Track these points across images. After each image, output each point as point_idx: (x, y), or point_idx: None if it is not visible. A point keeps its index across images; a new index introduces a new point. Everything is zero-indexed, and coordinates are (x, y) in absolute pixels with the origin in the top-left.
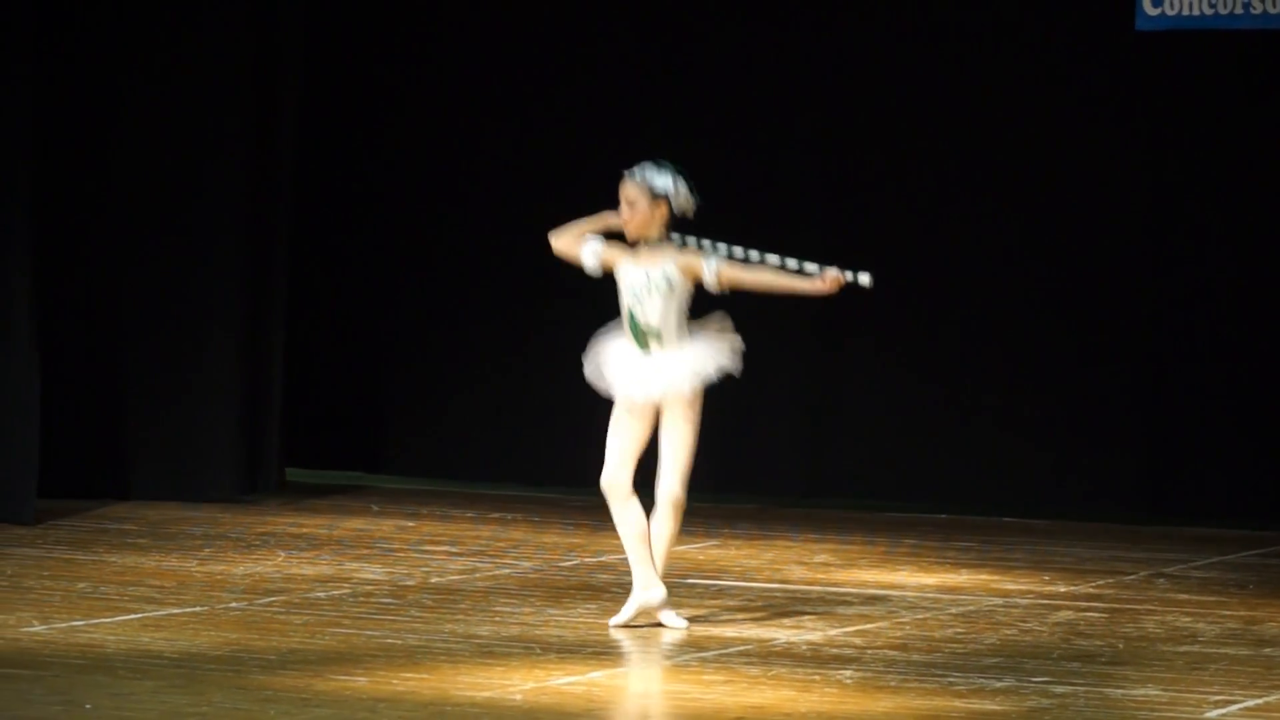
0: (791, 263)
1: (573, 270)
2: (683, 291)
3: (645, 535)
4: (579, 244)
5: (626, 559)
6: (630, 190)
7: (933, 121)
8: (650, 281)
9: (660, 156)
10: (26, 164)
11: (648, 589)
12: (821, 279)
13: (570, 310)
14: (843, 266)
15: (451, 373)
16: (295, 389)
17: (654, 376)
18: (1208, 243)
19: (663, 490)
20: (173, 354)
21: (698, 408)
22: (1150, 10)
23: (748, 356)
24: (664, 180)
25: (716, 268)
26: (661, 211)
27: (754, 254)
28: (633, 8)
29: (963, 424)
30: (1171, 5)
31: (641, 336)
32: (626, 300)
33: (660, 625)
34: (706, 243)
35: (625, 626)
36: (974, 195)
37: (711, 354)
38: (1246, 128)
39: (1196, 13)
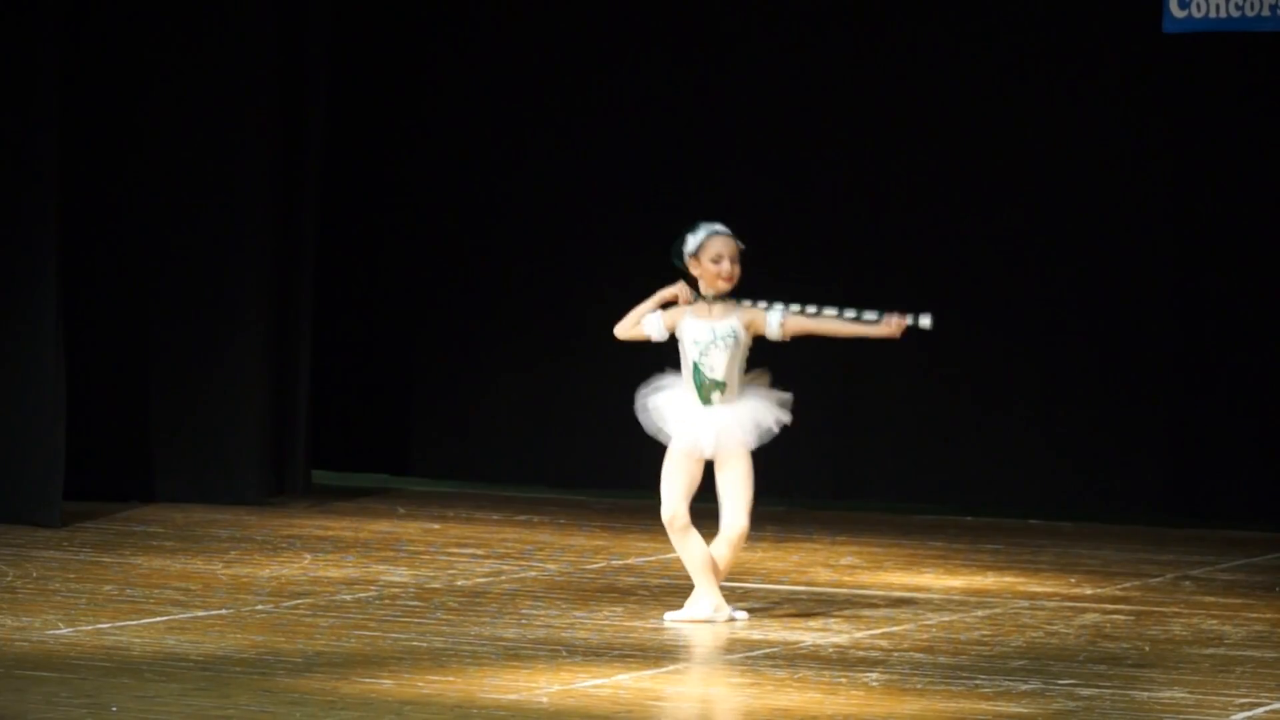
0: (850, 312)
1: (601, 274)
2: (745, 346)
3: (709, 562)
4: (640, 325)
5: (686, 573)
6: (732, 246)
7: (958, 124)
8: (717, 336)
9: (686, 160)
10: (52, 165)
11: (718, 610)
12: (885, 324)
13: (598, 313)
14: (902, 310)
15: (478, 376)
16: (321, 391)
17: (718, 429)
18: (1235, 245)
19: (728, 523)
20: (199, 356)
21: (750, 454)
22: (1177, 12)
23: (779, 359)
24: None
25: (781, 319)
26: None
27: (811, 307)
28: (662, 14)
29: (990, 427)
30: (1198, 7)
31: (704, 389)
32: (691, 354)
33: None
34: (763, 302)
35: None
36: (1001, 199)
37: (768, 408)
38: (1274, 130)
39: (1223, 15)
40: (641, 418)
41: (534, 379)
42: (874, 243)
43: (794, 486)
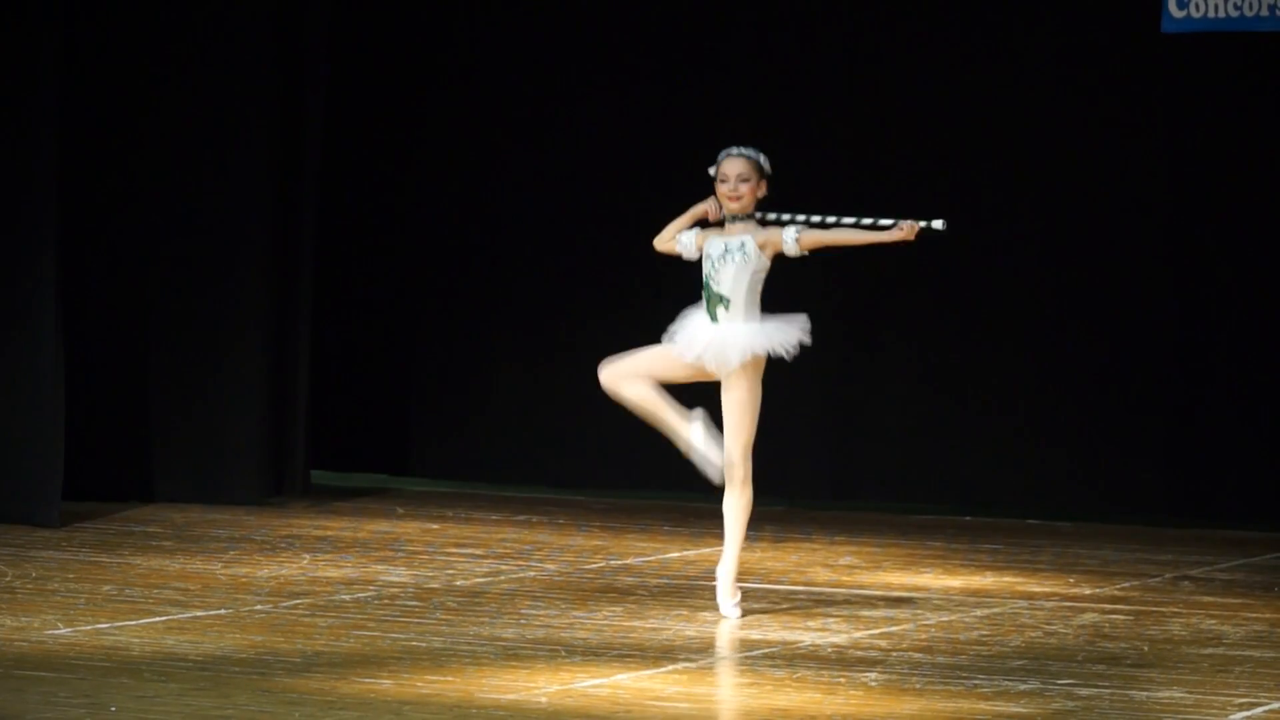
0: (865, 221)
1: (600, 273)
2: (757, 265)
3: (655, 399)
4: (675, 242)
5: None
6: (742, 166)
7: (956, 123)
8: (728, 250)
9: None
10: (52, 162)
11: (686, 425)
12: (898, 228)
13: (597, 314)
14: (915, 217)
15: (477, 376)
16: (321, 391)
17: (711, 342)
18: (1233, 245)
19: (726, 466)
20: (198, 356)
21: (756, 384)
22: (1175, 12)
23: (774, 359)
24: (765, 160)
25: (796, 234)
26: (762, 189)
27: (830, 218)
28: (659, 17)
29: (989, 427)
30: (1197, 7)
31: (713, 303)
32: (705, 270)
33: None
34: (785, 216)
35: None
36: (998, 199)
37: (769, 333)
38: (1273, 130)
39: (1222, 15)
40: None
41: (533, 379)
42: (869, 247)
43: (793, 487)
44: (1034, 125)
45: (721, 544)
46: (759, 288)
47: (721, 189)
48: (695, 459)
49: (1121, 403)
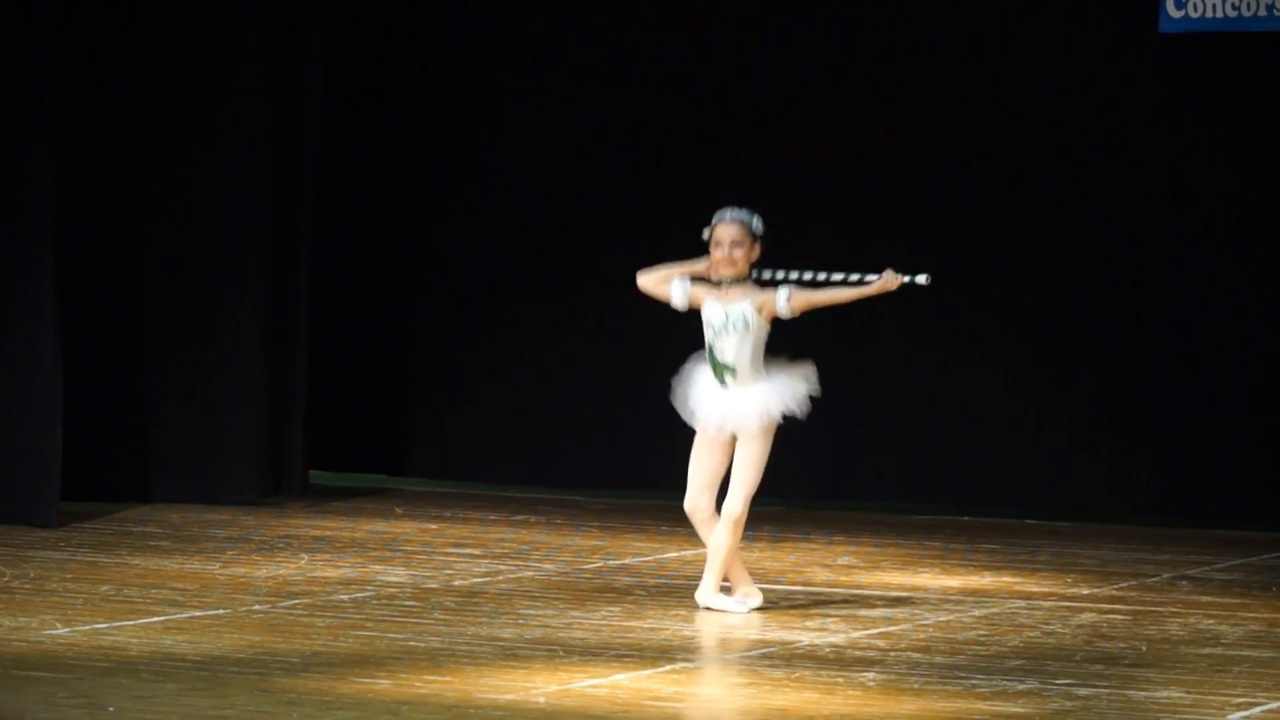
0: (853, 277)
1: (597, 277)
2: (758, 330)
3: (728, 555)
4: (667, 284)
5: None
6: (734, 231)
7: (953, 123)
8: (729, 320)
9: (680, 152)
10: (49, 166)
11: (748, 596)
12: (881, 280)
13: (595, 315)
14: (897, 270)
15: (475, 377)
16: (319, 392)
17: (727, 410)
18: (1231, 244)
19: (726, 506)
20: (196, 357)
21: (769, 438)
22: (1174, 13)
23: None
24: (758, 222)
25: (787, 296)
26: (755, 252)
27: (821, 275)
28: (653, 7)
29: (987, 427)
30: (1195, 7)
31: (720, 371)
32: (708, 336)
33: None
34: (779, 274)
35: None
36: (996, 198)
37: (782, 393)
38: (1270, 130)
39: (1220, 15)
40: (675, 399)
41: (531, 380)
42: (865, 243)
43: (791, 486)
44: (1032, 124)
45: (740, 544)
46: (763, 348)
47: (716, 254)
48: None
49: (1119, 403)
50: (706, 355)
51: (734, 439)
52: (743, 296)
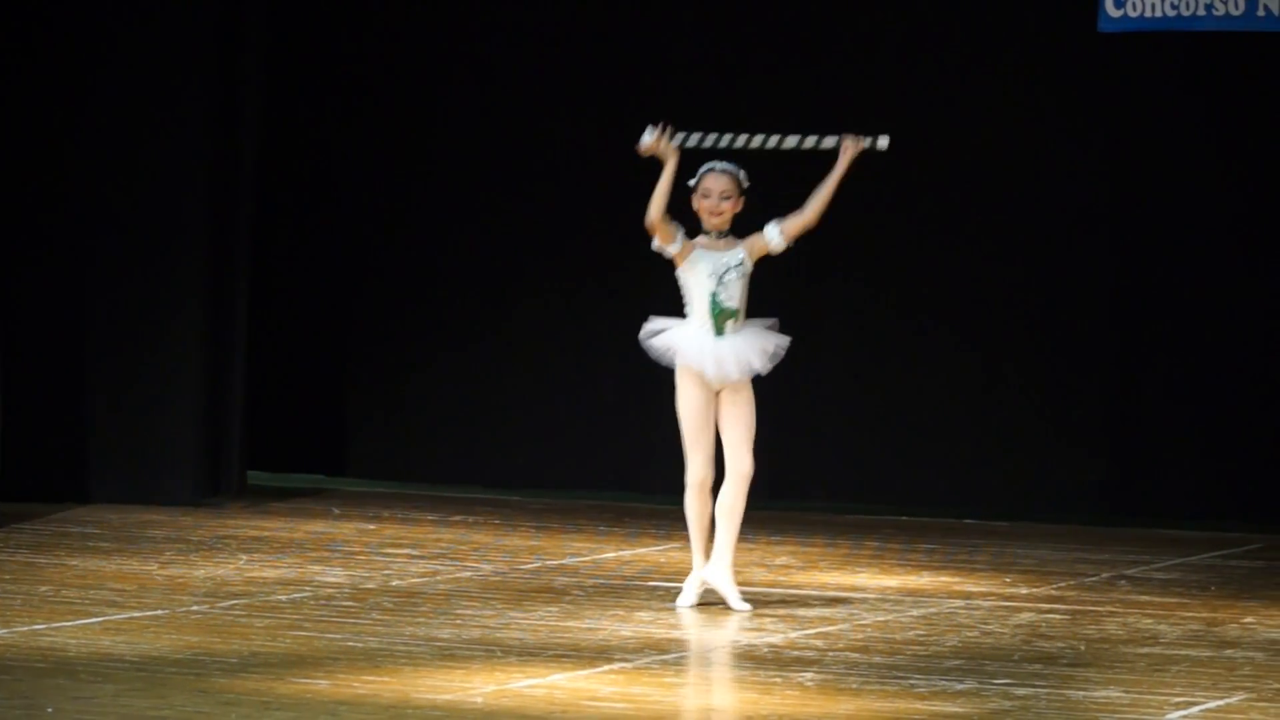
0: (810, 140)
1: (533, 277)
2: (750, 274)
3: (710, 524)
4: (670, 226)
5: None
6: (724, 183)
7: (893, 124)
8: (730, 266)
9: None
10: None
11: (707, 566)
12: (844, 148)
13: (531, 316)
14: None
15: (413, 376)
16: (257, 392)
17: (737, 355)
18: (1170, 244)
19: (735, 465)
20: (134, 357)
21: (751, 384)
22: (1113, 12)
23: None
24: (745, 175)
25: (779, 228)
26: (739, 205)
27: (771, 140)
28: (593, 10)
29: (925, 426)
30: (1134, 7)
31: (720, 319)
32: (708, 285)
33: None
34: (710, 138)
35: (693, 606)
36: (937, 198)
37: (770, 336)
38: (1209, 129)
39: (1159, 14)
40: (651, 350)
41: (468, 380)
42: (808, 246)
43: None
44: (967, 123)
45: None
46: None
47: (704, 204)
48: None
49: (1058, 402)
50: (707, 306)
51: (717, 394)
52: (731, 245)
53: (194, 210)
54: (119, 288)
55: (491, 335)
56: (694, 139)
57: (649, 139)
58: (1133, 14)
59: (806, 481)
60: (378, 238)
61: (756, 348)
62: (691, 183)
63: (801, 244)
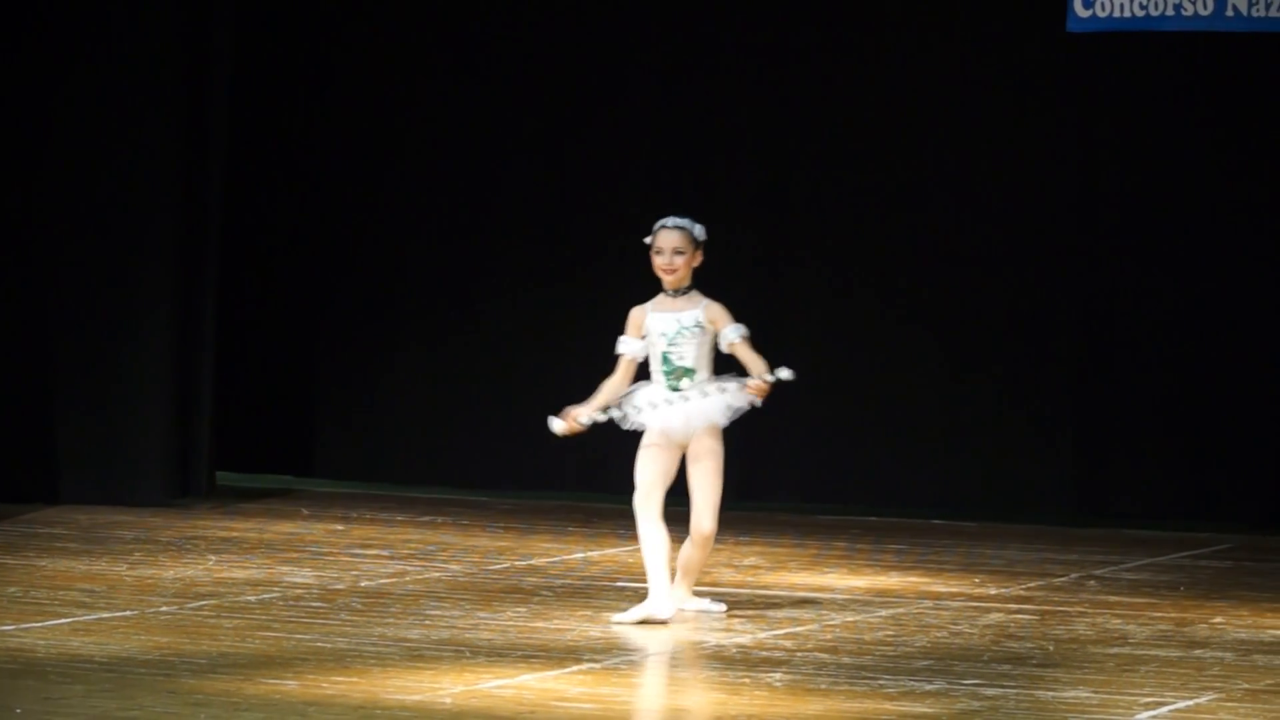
0: (721, 387)
1: (501, 275)
2: (710, 334)
3: (666, 556)
4: (623, 381)
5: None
6: (675, 239)
7: (861, 122)
8: (682, 326)
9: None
10: None
11: (661, 603)
12: (749, 385)
13: (500, 316)
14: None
15: (381, 376)
16: (226, 393)
17: (690, 410)
18: (1136, 245)
19: (696, 525)
20: (102, 357)
21: (721, 442)
22: (1081, 12)
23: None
24: (700, 230)
25: (736, 339)
26: (697, 259)
27: (679, 393)
28: (564, 5)
29: (893, 426)
30: (1102, 7)
31: (674, 376)
32: (659, 345)
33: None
34: (617, 411)
35: (624, 624)
36: (904, 196)
37: (737, 391)
38: (1178, 129)
39: (1127, 14)
40: (617, 417)
41: (436, 380)
42: (774, 237)
43: None
44: (936, 123)
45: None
46: (712, 354)
47: (657, 261)
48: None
49: (1027, 402)
50: (659, 365)
51: (683, 449)
52: (690, 305)
53: (163, 212)
54: (88, 289)
55: (459, 336)
56: (598, 411)
57: (559, 428)
58: (1101, 14)
59: (775, 482)
60: (345, 239)
61: (718, 402)
62: (647, 240)
63: (770, 241)
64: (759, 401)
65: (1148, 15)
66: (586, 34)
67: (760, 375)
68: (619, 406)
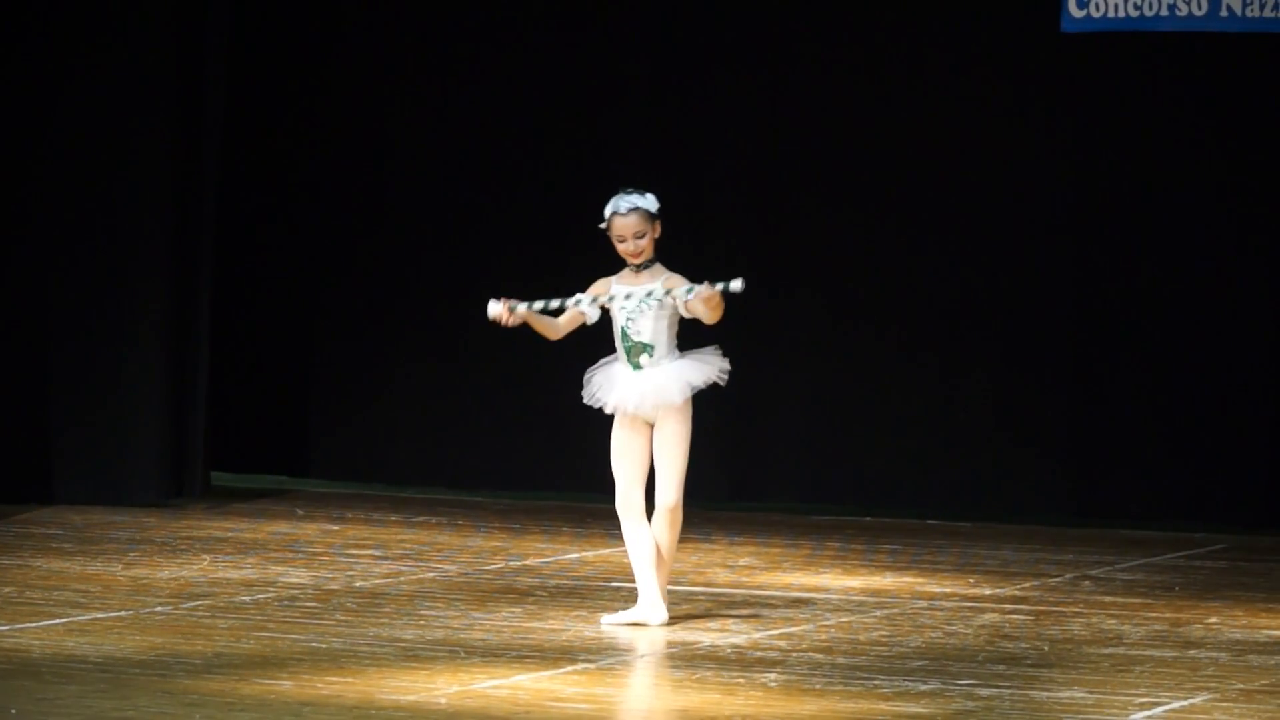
0: (674, 292)
1: (499, 274)
2: (671, 309)
3: (654, 559)
4: (572, 317)
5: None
6: (633, 223)
7: (855, 124)
8: (639, 300)
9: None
10: None
11: (652, 608)
12: (698, 292)
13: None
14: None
15: (376, 376)
16: (221, 392)
17: (646, 388)
18: (1133, 246)
19: (659, 498)
20: (97, 357)
21: (688, 418)
22: (1075, 12)
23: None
24: (650, 199)
25: (687, 298)
26: (657, 230)
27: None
28: (558, 17)
29: (887, 426)
30: (1097, 7)
31: (633, 353)
32: (620, 321)
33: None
34: (557, 300)
35: (615, 625)
36: (897, 199)
37: (699, 367)
38: (1172, 130)
39: (1122, 14)
40: (585, 397)
41: (431, 380)
42: (769, 243)
43: (691, 487)
44: (929, 124)
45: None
46: (675, 328)
47: (622, 248)
48: (641, 621)
49: (1021, 402)
50: (619, 341)
51: (651, 426)
52: (652, 279)
53: (157, 211)
54: (82, 289)
55: (454, 336)
56: (538, 305)
57: (494, 311)
58: (1095, 14)
59: (769, 482)
60: (341, 238)
61: (675, 379)
62: (602, 225)
63: (765, 241)
64: (723, 379)
65: (1142, 15)
66: (584, 42)
67: (708, 285)
68: (560, 302)
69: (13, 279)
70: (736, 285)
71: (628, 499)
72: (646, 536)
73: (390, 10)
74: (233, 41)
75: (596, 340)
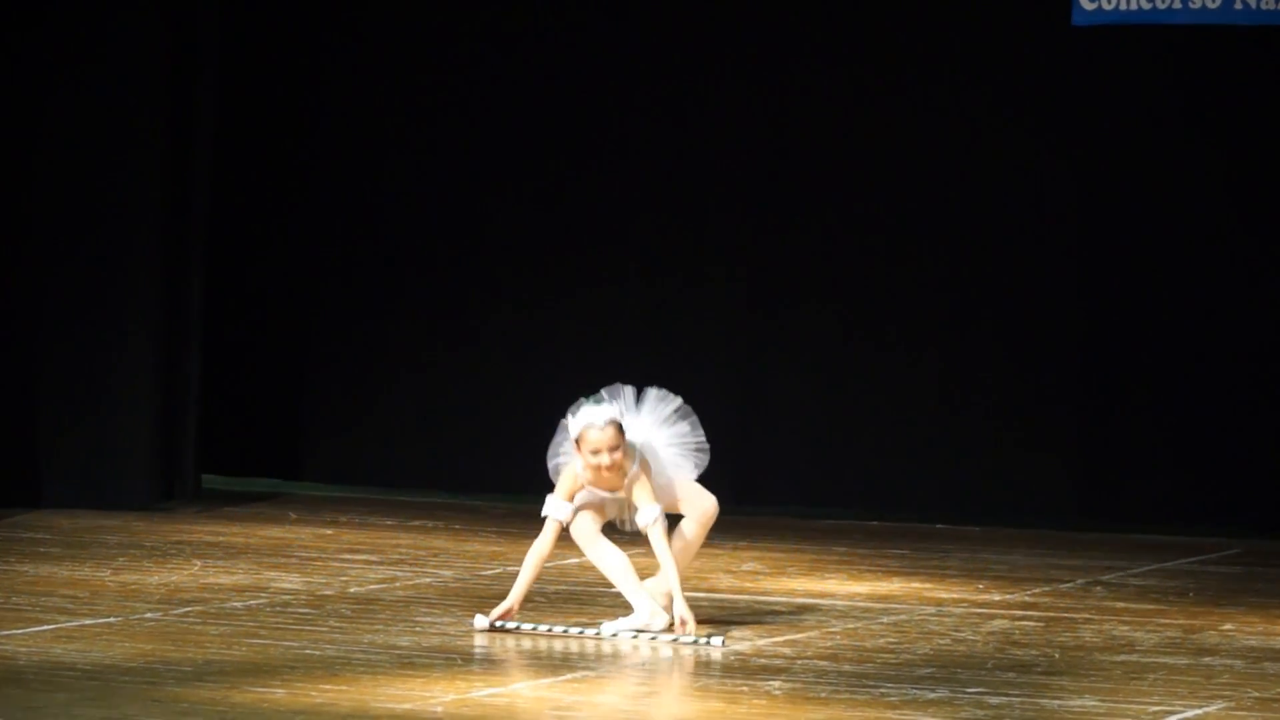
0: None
1: (492, 279)
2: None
3: (627, 565)
4: (551, 547)
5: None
6: (610, 436)
7: (861, 124)
8: (626, 512)
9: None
10: None
11: (651, 613)
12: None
13: (490, 317)
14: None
15: (370, 379)
16: (212, 395)
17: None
18: (1144, 244)
19: (705, 502)
20: (87, 359)
21: (648, 467)
22: (1087, 5)
23: (677, 360)
24: (614, 408)
25: (649, 522)
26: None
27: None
28: (556, 17)
29: (895, 430)
30: (1108, 0)
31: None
32: (610, 513)
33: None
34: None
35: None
36: (906, 199)
37: (678, 463)
38: (1184, 126)
39: (1133, 7)
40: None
41: (427, 382)
42: (774, 247)
43: None
44: (940, 119)
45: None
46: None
47: (595, 461)
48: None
49: (1031, 406)
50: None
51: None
52: (625, 491)
53: (149, 214)
54: (71, 290)
55: (449, 338)
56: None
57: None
58: (1107, 7)
59: (774, 486)
60: (333, 241)
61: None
62: (572, 434)
63: (771, 243)
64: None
65: (1154, 8)
66: (586, 53)
67: (682, 616)
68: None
69: (1, 281)
70: (717, 642)
71: (580, 521)
72: (610, 549)
73: (387, 10)
74: (225, 42)
75: (597, 341)
